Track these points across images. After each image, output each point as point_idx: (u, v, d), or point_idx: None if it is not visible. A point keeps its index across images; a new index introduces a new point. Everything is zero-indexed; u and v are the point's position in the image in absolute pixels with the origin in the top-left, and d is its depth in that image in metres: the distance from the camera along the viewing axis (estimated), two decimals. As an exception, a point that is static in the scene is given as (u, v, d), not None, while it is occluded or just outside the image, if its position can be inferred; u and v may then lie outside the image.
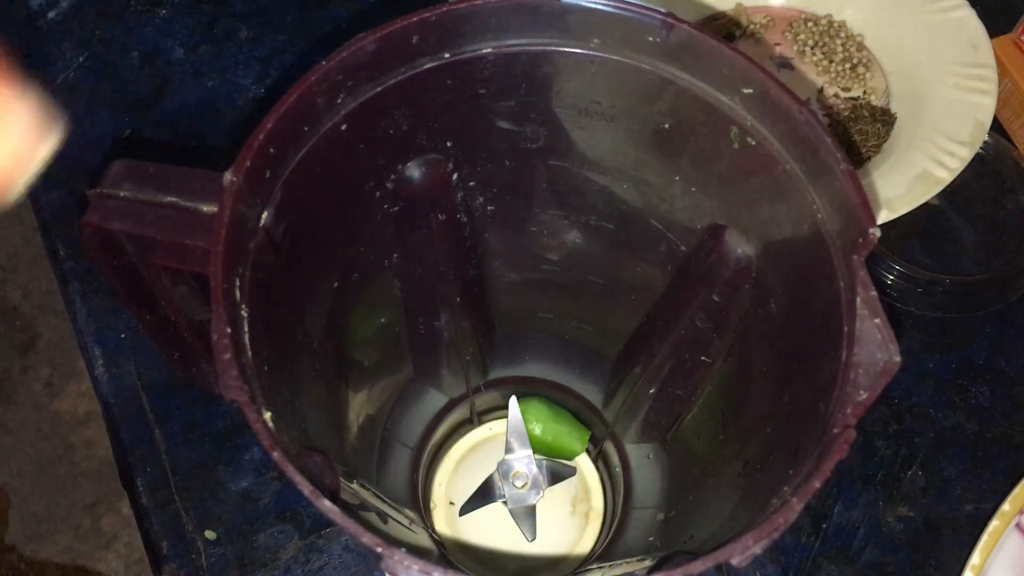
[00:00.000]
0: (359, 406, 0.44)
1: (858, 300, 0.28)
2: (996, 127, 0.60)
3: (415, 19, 0.31)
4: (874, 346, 0.28)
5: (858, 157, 0.57)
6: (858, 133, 0.58)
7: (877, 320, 0.28)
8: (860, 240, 0.28)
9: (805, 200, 0.31)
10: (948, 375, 0.54)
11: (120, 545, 1.14)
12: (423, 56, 0.33)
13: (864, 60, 0.62)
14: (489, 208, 0.41)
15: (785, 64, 0.63)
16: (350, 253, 0.38)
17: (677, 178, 0.37)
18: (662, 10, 0.31)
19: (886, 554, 0.49)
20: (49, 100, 0.21)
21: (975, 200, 0.59)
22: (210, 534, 0.48)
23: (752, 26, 0.63)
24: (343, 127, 0.32)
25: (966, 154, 0.52)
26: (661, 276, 0.41)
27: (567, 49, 0.33)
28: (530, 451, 0.48)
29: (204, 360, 0.41)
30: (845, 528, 0.49)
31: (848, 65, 0.61)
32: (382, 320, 0.44)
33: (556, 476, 0.49)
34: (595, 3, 0.31)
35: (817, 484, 0.26)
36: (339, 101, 0.32)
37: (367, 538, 0.25)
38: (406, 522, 0.44)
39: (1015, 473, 0.50)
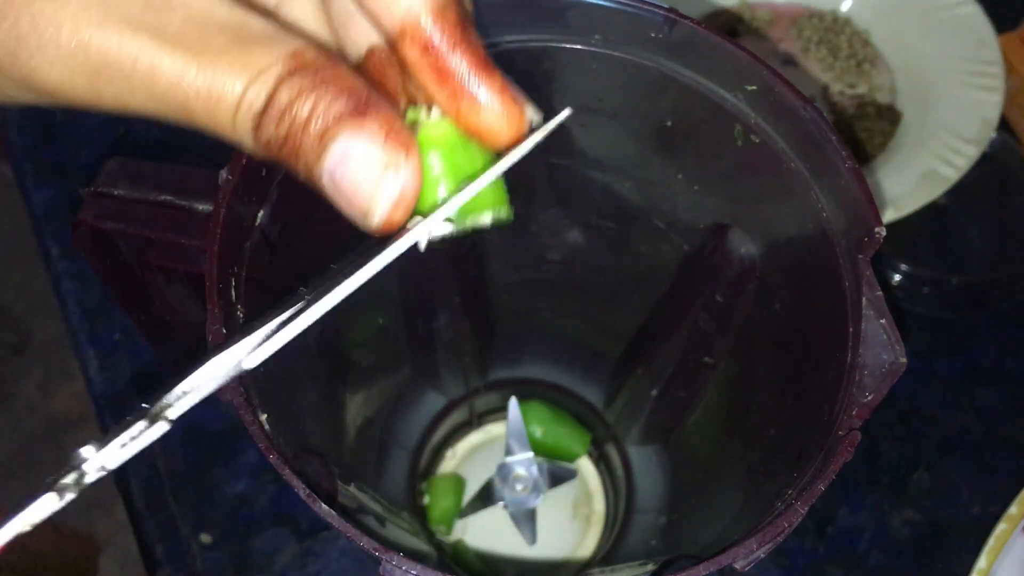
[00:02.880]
0: (357, 408, 0.44)
1: (864, 300, 0.28)
2: (1003, 125, 0.59)
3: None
4: (880, 347, 0.28)
5: (863, 155, 0.56)
6: (863, 131, 0.57)
7: (883, 320, 0.28)
8: (866, 239, 0.28)
9: (810, 199, 0.31)
10: (954, 376, 0.53)
11: (114, 549, 1.14)
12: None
13: (869, 57, 0.61)
14: (489, 207, 0.40)
15: (789, 61, 0.62)
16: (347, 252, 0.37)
17: (680, 176, 0.36)
18: (664, 5, 0.31)
19: (891, 558, 0.48)
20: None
21: (982, 199, 0.58)
22: (205, 538, 0.47)
23: (755, 22, 0.63)
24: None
25: (973, 152, 0.52)
26: (663, 276, 0.41)
27: (568, 45, 0.33)
28: (530, 453, 0.47)
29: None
30: (850, 532, 0.49)
31: (853, 62, 0.61)
32: (380, 321, 0.43)
33: (557, 479, 0.48)
34: (596, -2, 0.31)
35: (821, 487, 0.26)
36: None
37: (365, 542, 0.24)
38: (405, 526, 0.43)
39: (1022, 476, 0.49)
